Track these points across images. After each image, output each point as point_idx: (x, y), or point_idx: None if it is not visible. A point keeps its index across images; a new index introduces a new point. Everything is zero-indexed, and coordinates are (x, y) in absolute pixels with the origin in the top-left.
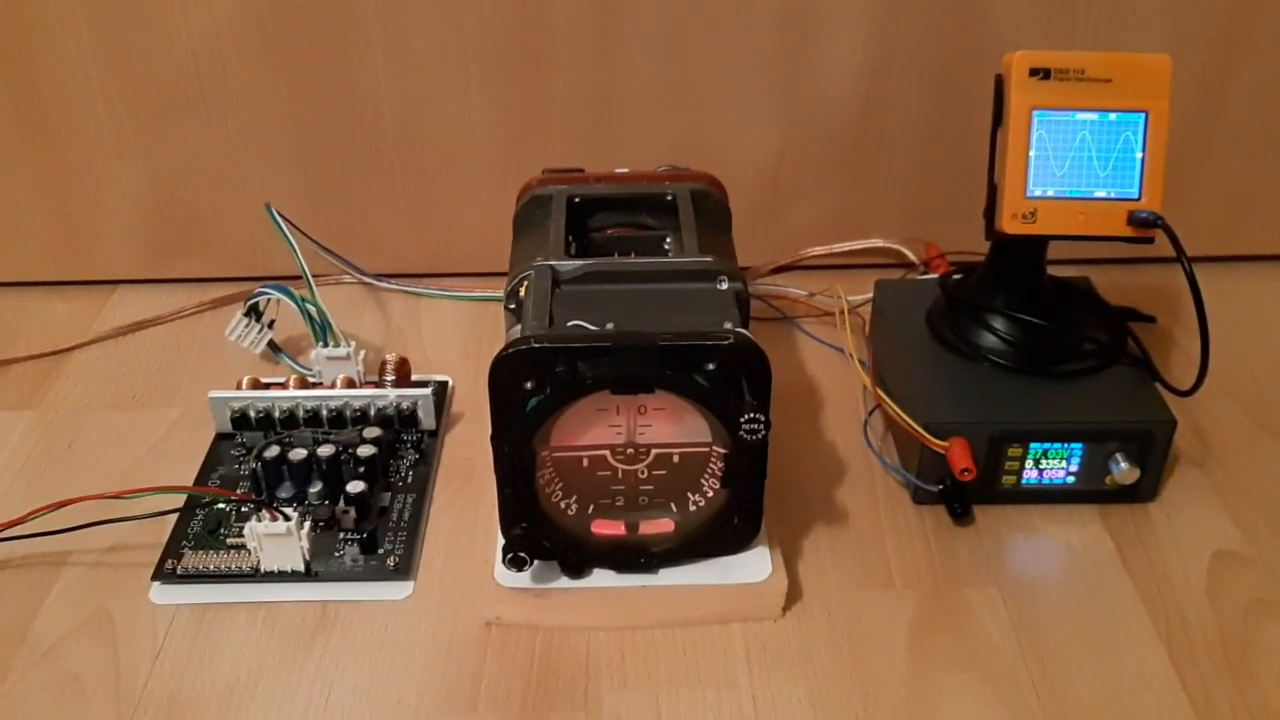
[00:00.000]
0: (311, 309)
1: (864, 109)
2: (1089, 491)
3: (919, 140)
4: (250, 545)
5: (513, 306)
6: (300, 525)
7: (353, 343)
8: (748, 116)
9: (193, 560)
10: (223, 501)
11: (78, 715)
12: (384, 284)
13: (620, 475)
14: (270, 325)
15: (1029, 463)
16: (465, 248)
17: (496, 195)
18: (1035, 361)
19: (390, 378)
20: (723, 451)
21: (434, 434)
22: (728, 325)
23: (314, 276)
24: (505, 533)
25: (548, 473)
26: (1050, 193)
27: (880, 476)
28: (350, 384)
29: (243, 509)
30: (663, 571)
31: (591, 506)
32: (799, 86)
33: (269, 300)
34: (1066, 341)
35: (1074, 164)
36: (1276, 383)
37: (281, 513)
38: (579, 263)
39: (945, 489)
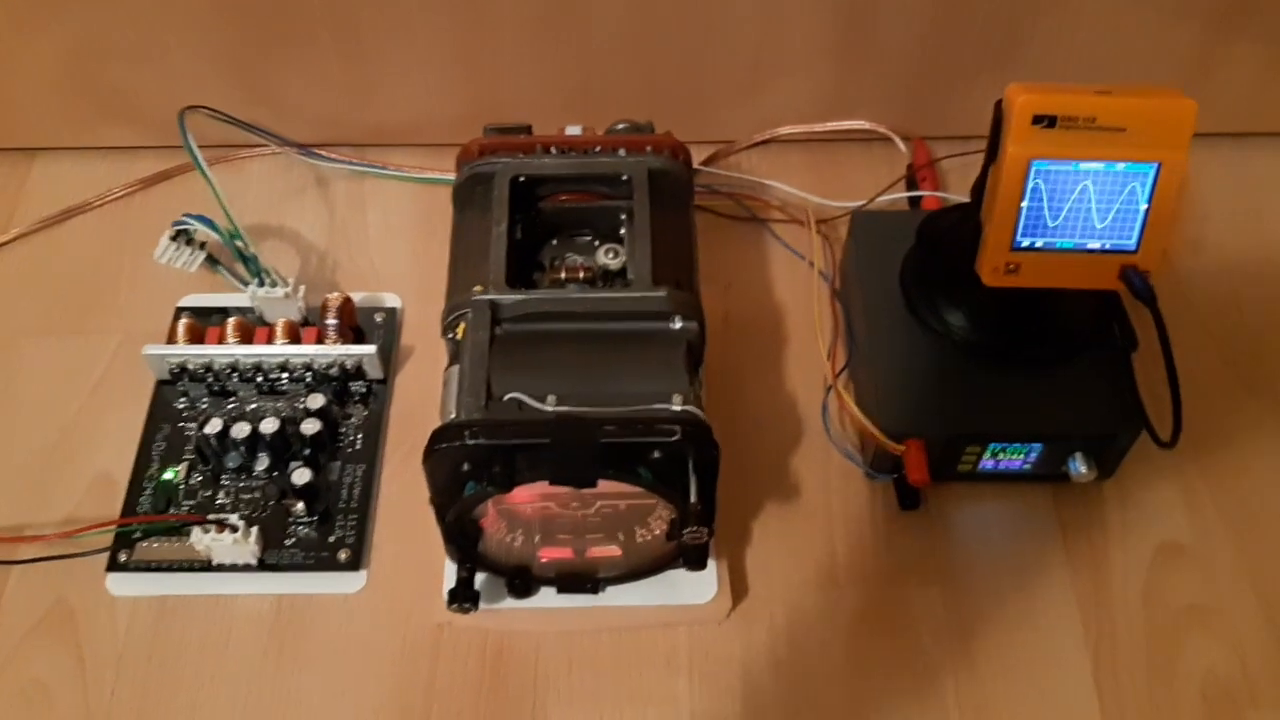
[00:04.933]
0: (240, 245)
1: None
2: (1045, 475)
3: (921, 10)
4: (199, 549)
5: (451, 336)
6: (247, 534)
7: (290, 280)
8: None
9: (145, 553)
10: (170, 471)
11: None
12: (326, 163)
13: (566, 515)
14: (202, 246)
15: (986, 455)
16: (411, 120)
17: (444, 68)
18: (1005, 350)
19: (332, 321)
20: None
21: (383, 381)
22: (677, 400)
23: (251, 147)
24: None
25: (492, 517)
26: (1039, 244)
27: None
28: (292, 330)
29: (192, 479)
30: (609, 589)
31: (538, 537)
32: None
33: (196, 228)
34: (1042, 329)
35: (1070, 214)
36: (1261, 310)
37: (228, 525)
38: (521, 296)
39: (898, 480)
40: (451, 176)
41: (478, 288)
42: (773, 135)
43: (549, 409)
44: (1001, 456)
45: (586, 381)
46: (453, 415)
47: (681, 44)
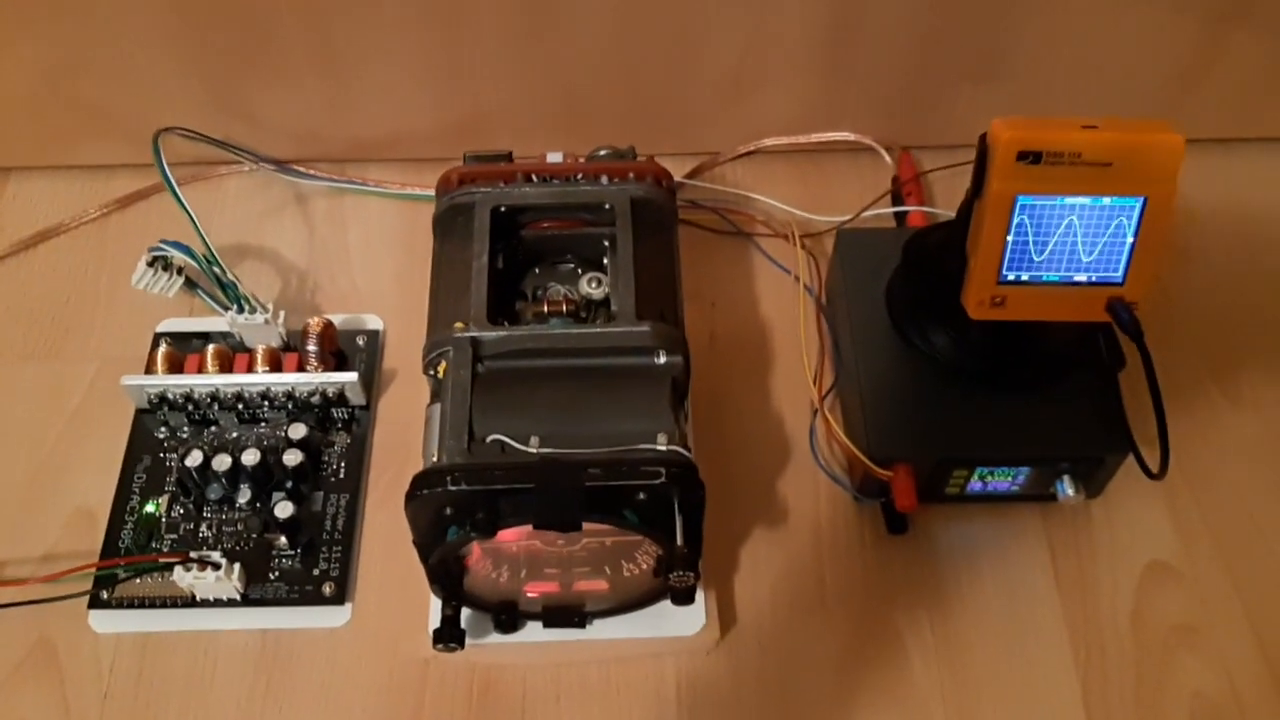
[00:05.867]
0: (218, 272)
1: None
2: (1033, 495)
3: (907, 20)
4: (182, 585)
5: (433, 373)
6: (230, 570)
7: (270, 305)
8: None
9: (127, 589)
10: (152, 504)
11: None
12: (304, 180)
13: (552, 551)
14: (180, 272)
15: (974, 477)
16: (390, 134)
17: (423, 82)
18: (992, 371)
19: (313, 348)
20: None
21: (365, 407)
22: (662, 439)
23: (228, 164)
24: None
25: (477, 555)
26: (1025, 277)
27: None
28: (272, 357)
29: (174, 512)
30: (596, 622)
31: (524, 572)
32: None
33: (173, 255)
34: (1029, 350)
35: (1056, 248)
36: (1246, 320)
37: (210, 563)
38: (503, 333)
39: (886, 503)
40: (433, 192)
41: (459, 324)
42: (758, 147)
43: (533, 450)
44: (989, 478)
45: (570, 421)
46: (435, 458)
47: (665, 53)
